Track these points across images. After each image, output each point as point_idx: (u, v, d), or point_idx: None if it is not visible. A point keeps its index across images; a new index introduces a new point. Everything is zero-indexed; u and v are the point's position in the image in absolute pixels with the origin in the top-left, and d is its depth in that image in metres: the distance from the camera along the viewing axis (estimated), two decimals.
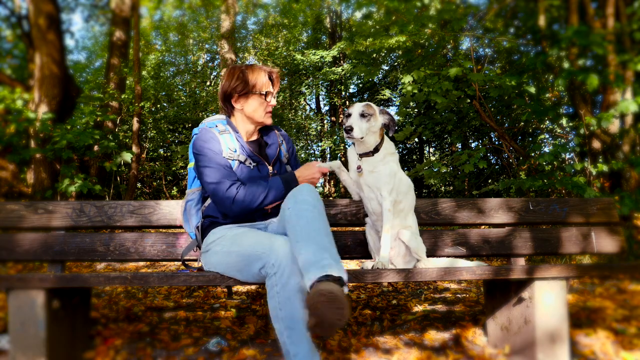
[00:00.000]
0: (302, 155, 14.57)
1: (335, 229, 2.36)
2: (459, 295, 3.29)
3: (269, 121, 2.15)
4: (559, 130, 6.23)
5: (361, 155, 2.17)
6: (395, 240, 2.18)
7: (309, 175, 2.06)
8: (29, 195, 6.18)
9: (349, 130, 2.04)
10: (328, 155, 14.19)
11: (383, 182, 2.12)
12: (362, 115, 2.07)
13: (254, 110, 2.10)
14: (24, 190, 6.34)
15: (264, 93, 2.09)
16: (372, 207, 2.20)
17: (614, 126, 4.63)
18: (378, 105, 2.20)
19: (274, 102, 2.14)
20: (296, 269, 1.65)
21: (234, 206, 1.95)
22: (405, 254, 2.20)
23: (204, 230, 2.08)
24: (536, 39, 5.17)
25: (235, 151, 2.05)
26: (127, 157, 6.51)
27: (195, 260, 2.36)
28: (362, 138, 2.08)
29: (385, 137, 2.22)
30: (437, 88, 5.36)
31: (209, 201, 2.11)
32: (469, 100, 6.11)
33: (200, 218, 2.14)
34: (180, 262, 2.27)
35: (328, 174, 2.24)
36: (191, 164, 2.15)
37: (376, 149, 2.15)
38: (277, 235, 1.81)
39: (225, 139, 2.05)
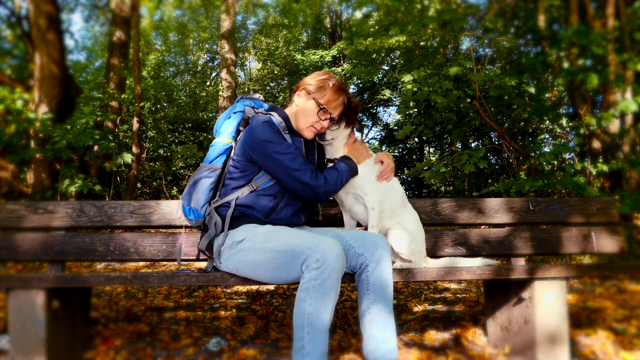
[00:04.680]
0: None
1: (334, 228, 2.36)
2: (459, 295, 3.29)
3: (307, 135, 2.03)
4: (559, 130, 6.22)
5: (330, 161, 2.12)
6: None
7: (358, 157, 2.09)
8: (29, 195, 6.18)
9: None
10: None
11: (365, 181, 2.06)
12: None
13: (302, 113, 2.00)
14: (24, 190, 6.34)
15: (323, 107, 1.96)
16: (357, 211, 2.15)
17: (614, 126, 4.62)
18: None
19: (324, 124, 2.00)
20: (340, 273, 1.67)
21: (327, 187, 1.91)
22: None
23: (233, 220, 1.93)
24: (536, 39, 5.17)
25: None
26: (128, 158, 6.50)
27: (194, 259, 2.35)
28: (332, 139, 2.08)
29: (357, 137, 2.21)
30: (437, 87, 5.36)
31: (243, 190, 1.94)
32: (469, 100, 6.10)
33: (209, 199, 1.99)
34: (179, 263, 2.26)
35: None
36: (227, 140, 2.00)
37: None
38: (324, 235, 1.79)
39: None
